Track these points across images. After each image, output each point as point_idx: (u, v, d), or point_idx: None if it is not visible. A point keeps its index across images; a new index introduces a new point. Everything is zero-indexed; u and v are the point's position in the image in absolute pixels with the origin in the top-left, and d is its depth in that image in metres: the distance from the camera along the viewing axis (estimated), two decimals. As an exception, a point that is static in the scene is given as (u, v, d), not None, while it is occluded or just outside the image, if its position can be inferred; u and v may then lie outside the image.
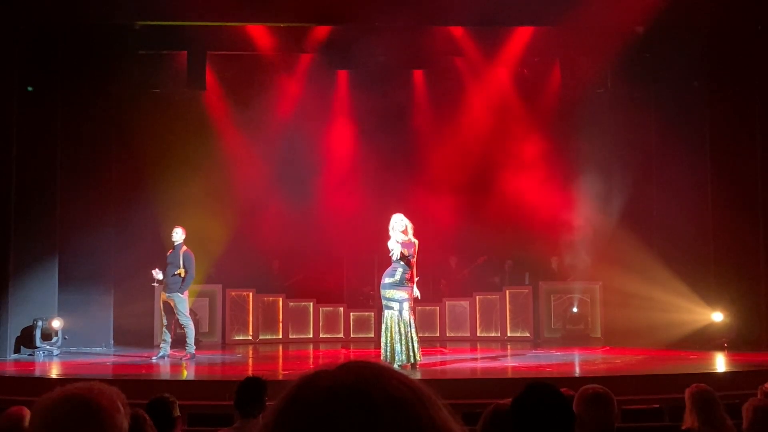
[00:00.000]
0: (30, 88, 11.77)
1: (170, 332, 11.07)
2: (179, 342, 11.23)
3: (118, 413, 1.79)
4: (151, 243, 12.36)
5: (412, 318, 9.48)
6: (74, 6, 11.43)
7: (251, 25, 12.89)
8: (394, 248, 9.39)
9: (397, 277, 9.44)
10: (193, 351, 11.00)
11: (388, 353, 9.40)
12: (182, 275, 10.95)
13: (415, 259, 9.52)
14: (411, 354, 9.38)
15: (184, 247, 11.11)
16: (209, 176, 13.07)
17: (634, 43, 12.61)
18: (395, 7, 11.56)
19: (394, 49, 12.80)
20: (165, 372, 10.38)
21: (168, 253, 11.15)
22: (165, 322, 11.10)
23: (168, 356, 10.95)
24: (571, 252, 13.92)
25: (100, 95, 12.32)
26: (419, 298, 9.76)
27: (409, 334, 9.38)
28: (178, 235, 11.13)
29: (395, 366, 8.92)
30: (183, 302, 10.99)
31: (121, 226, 12.59)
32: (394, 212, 9.65)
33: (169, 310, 11.01)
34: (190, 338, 11.03)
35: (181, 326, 11.03)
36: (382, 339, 9.54)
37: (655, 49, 12.76)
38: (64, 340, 11.90)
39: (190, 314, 11.23)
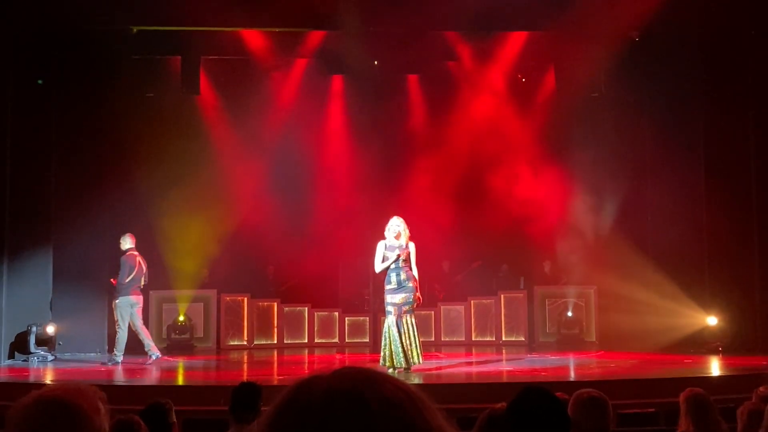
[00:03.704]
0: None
1: (144, 333, 11.00)
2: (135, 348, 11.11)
3: (98, 414, 1.71)
4: (145, 248, 12.32)
5: (408, 322, 9.41)
6: (69, 11, 11.41)
7: (245, 30, 12.90)
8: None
9: (393, 281, 9.39)
10: (119, 360, 10.80)
11: (386, 359, 9.34)
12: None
13: (410, 261, 9.47)
14: (399, 358, 9.26)
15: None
16: (203, 181, 13.04)
17: (629, 48, 12.66)
18: (390, 12, 11.57)
19: (389, 54, 12.81)
20: (159, 377, 10.35)
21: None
22: (135, 328, 11.01)
23: (159, 357, 10.91)
24: (564, 256, 13.92)
25: (95, 100, 12.29)
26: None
27: (402, 338, 9.28)
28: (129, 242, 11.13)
29: (392, 371, 8.90)
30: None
31: (116, 231, 12.53)
32: (389, 216, 9.59)
33: (133, 314, 10.95)
34: (120, 345, 10.87)
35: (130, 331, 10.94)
36: (382, 344, 9.50)
37: (650, 54, 12.79)
38: (59, 346, 11.87)
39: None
